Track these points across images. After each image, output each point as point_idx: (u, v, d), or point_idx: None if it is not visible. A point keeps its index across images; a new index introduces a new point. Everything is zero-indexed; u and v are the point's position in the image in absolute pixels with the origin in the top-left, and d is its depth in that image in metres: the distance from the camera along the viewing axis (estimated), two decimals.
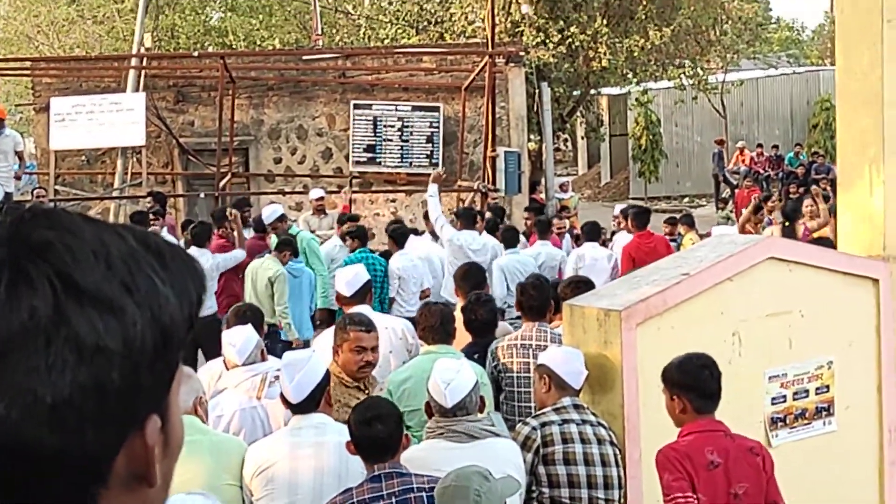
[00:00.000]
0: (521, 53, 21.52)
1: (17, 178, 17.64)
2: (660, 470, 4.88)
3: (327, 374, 5.25)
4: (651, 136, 33.72)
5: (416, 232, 13.65)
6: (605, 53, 25.15)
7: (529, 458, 5.34)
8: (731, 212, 27.05)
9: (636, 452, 5.50)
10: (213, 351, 8.15)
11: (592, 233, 13.17)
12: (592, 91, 28.77)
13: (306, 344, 10.84)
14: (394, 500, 4.44)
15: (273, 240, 12.51)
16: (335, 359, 5.99)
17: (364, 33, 31.17)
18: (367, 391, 5.97)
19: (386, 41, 27.99)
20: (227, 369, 6.45)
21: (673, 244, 14.11)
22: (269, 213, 13.35)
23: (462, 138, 19.92)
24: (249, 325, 6.66)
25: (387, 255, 12.42)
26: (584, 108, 30.17)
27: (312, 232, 14.67)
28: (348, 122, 20.28)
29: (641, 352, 5.49)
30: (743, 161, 31.16)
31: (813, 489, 5.89)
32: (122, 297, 1.04)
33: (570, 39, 24.89)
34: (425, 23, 27.77)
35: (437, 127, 20.11)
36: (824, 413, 6.12)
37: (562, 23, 25.17)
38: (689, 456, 4.83)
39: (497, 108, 19.77)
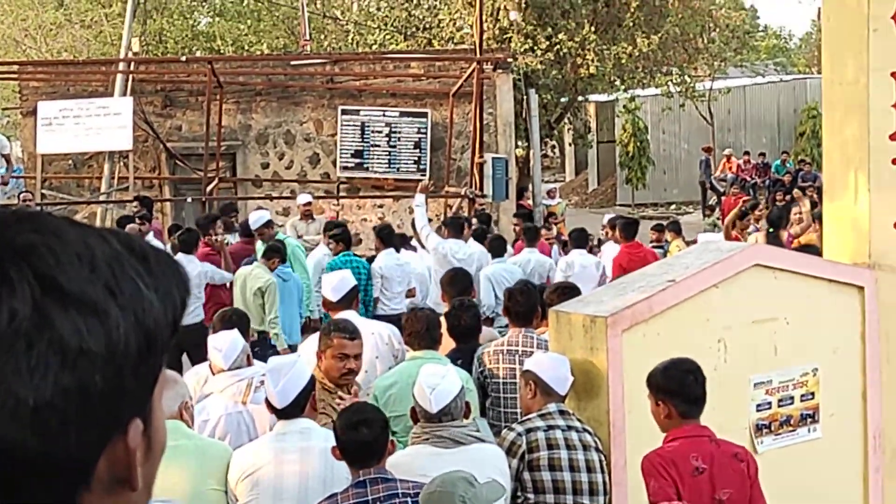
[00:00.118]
0: (509, 60, 21.55)
1: (4, 182, 17.60)
2: (645, 476, 4.89)
3: (312, 379, 5.24)
4: (638, 143, 33.79)
5: (405, 237, 13.65)
6: (592, 60, 25.18)
7: (515, 464, 5.34)
8: (718, 219, 27.08)
9: (621, 458, 5.51)
10: (199, 358, 8.13)
11: (580, 240, 13.19)
12: (580, 98, 28.81)
13: (294, 349, 10.85)
14: None
15: (259, 246, 12.51)
16: (318, 364, 5.99)
17: (352, 39, 31.16)
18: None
19: (374, 47, 27.98)
20: (213, 374, 6.44)
21: (660, 251, 14.14)
22: (256, 218, 13.33)
23: (450, 144, 19.93)
24: (235, 330, 6.64)
25: (374, 259, 12.44)
26: (572, 115, 30.21)
27: (300, 237, 14.67)
28: (336, 127, 20.28)
29: (627, 358, 5.50)
30: (730, 168, 31.23)
31: (798, 496, 5.90)
32: (106, 300, 1.04)
33: (557, 46, 24.92)
34: (413, 29, 27.77)
35: (425, 133, 20.12)
36: (809, 420, 6.13)
37: (550, 29, 25.20)
38: (675, 462, 4.85)
39: (485, 114, 19.80)
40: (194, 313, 11.82)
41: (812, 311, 6.14)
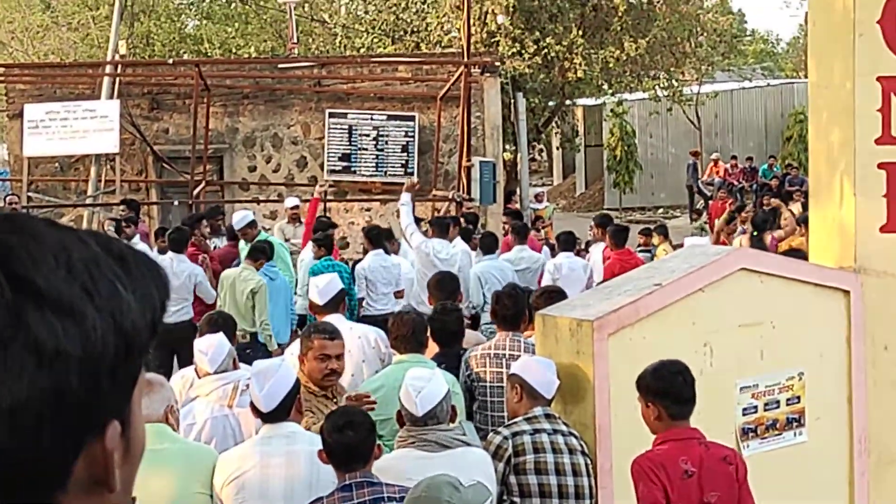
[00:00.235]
0: (497, 64, 21.57)
1: None
2: (635, 480, 4.90)
3: (297, 383, 5.23)
4: (626, 147, 33.83)
5: (390, 233, 13.65)
6: (580, 64, 25.23)
7: (500, 468, 5.34)
8: (705, 223, 27.17)
9: (607, 462, 5.51)
10: (188, 356, 8.13)
11: (568, 243, 13.19)
12: (568, 102, 28.87)
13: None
14: None
15: (243, 246, 12.50)
16: (301, 368, 5.96)
17: (340, 42, 31.15)
18: (334, 400, 5.96)
19: (362, 50, 28.00)
20: (199, 377, 6.42)
21: (647, 255, 14.14)
22: (239, 218, 13.33)
23: (437, 148, 19.94)
24: (221, 334, 6.63)
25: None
26: (560, 119, 30.27)
27: (287, 241, 14.66)
28: (323, 130, 20.27)
29: (613, 362, 5.50)
30: (717, 173, 31.28)
31: (784, 500, 5.90)
32: (83, 301, 1.03)
33: (545, 50, 24.96)
34: (401, 32, 27.80)
35: (413, 136, 20.12)
36: (795, 424, 6.14)
37: (537, 33, 25.24)
38: (664, 466, 4.85)
39: (472, 117, 19.81)
40: (183, 311, 11.83)
41: (798, 315, 6.15)
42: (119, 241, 1.15)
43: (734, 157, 32.59)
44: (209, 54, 34.31)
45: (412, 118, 20.20)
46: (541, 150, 43.71)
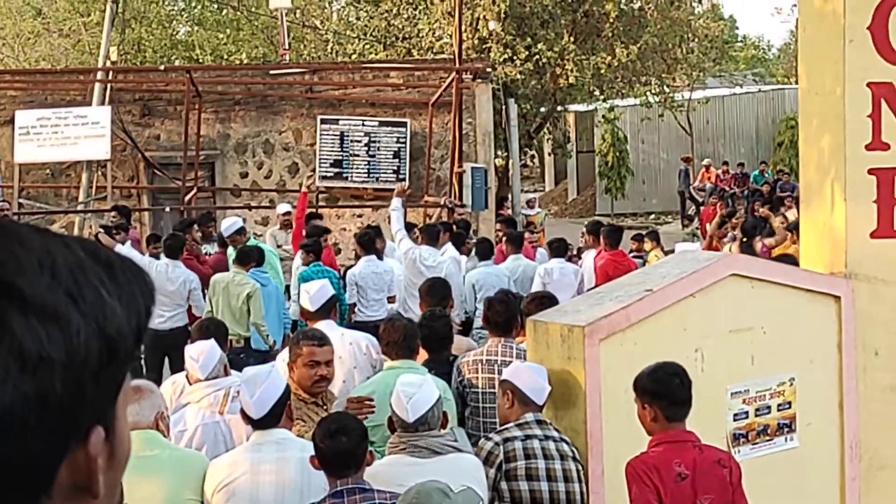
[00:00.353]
0: (489, 70, 21.57)
1: None
2: (629, 481, 4.91)
3: (288, 389, 5.22)
4: (618, 153, 33.88)
5: (380, 234, 13.62)
6: (572, 70, 25.24)
7: (492, 474, 5.33)
8: (697, 229, 27.20)
9: (599, 468, 5.51)
10: (181, 362, 8.14)
11: (560, 249, 13.19)
12: (559, 108, 28.86)
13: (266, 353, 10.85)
14: None
15: (231, 252, 12.50)
16: (290, 375, 5.94)
17: (332, 48, 31.16)
18: (324, 407, 5.94)
19: (353, 56, 27.98)
20: (190, 384, 6.42)
21: (639, 260, 14.14)
22: (228, 225, 13.33)
23: (429, 154, 19.94)
24: (212, 340, 6.62)
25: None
26: (551, 125, 30.26)
27: (279, 247, 14.66)
28: (315, 136, 20.26)
29: (605, 368, 5.50)
30: (709, 178, 31.33)
31: None
32: (67, 307, 1.03)
33: (537, 56, 24.97)
34: (393, 38, 27.79)
35: (404, 142, 20.12)
36: (786, 429, 6.15)
37: (529, 39, 25.25)
38: (658, 468, 4.87)
39: (464, 123, 19.81)
40: (177, 317, 11.83)
41: (789, 320, 6.16)
42: (104, 247, 1.15)
43: (725, 163, 32.65)
44: (201, 60, 34.28)
45: (404, 124, 20.20)
46: (532, 156, 43.66)
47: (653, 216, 34.19)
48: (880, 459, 6.41)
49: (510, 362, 6.43)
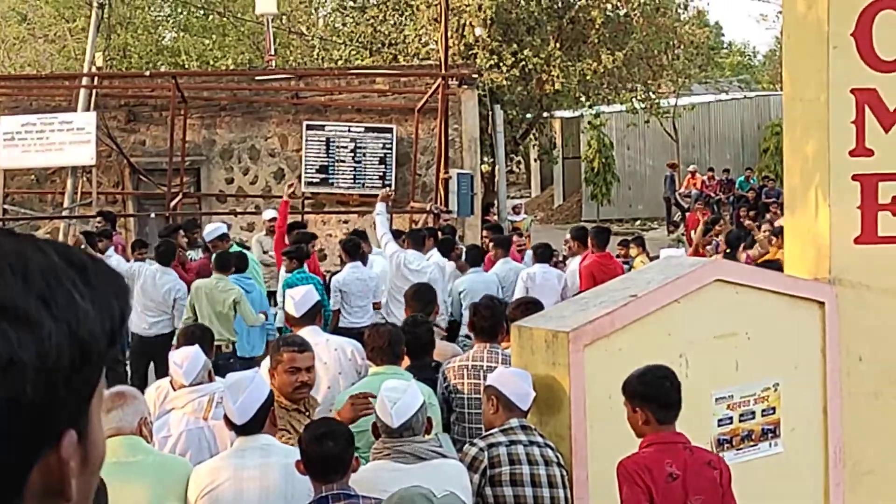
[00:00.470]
0: (475, 76, 21.59)
1: None
2: (620, 482, 4.91)
3: (271, 395, 5.21)
4: (603, 160, 33.94)
5: (365, 236, 13.60)
6: (557, 77, 25.27)
7: (476, 480, 5.33)
8: (682, 235, 27.24)
9: (583, 474, 5.51)
10: (166, 368, 8.12)
11: (544, 254, 13.14)
12: (545, 114, 28.93)
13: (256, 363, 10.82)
14: None
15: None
16: (272, 382, 5.92)
17: (318, 54, 31.14)
18: (307, 413, 5.93)
19: (339, 62, 27.99)
20: (174, 389, 6.41)
21: (625, 266, 14.14)
22: (211, 229, 13.32)
23: (415, 160, 19.94)
24: (196, 346, 6.61)
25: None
26: (537, 131, 30.32)
27: (265, 252, 14.65)
28: (301, 142, 20.25)
29: (589, 373, 5.50)
30: (694, 185, 31.38)
31: None
32: (39, 310, 1.03)
33: (523, 62, 25.01)
34: (379, 44, 27.81)
35: (390, 148, 20.12)
36: (770, 435, 6.15)
37: (515, 46, 25.29)
38: (649, 468, 4.88)
39: (450, 129, 19.82)
40: (162, 324, 11.81)
41: (773, 326, 6.17)
42: (80, 250, 1.15)
43: (711, 170, 32.71)
44: (186, 66, 34.25)
45: (390, 130, 20.21)
46: (518, 162, 43.78)
47: (638, 222, 34.23)
48: (864, 465, 6.42)
49: (495, 368, 6.43)
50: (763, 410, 6.12)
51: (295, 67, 29.53)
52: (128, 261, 13.88)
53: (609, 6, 27.09)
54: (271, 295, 13.45)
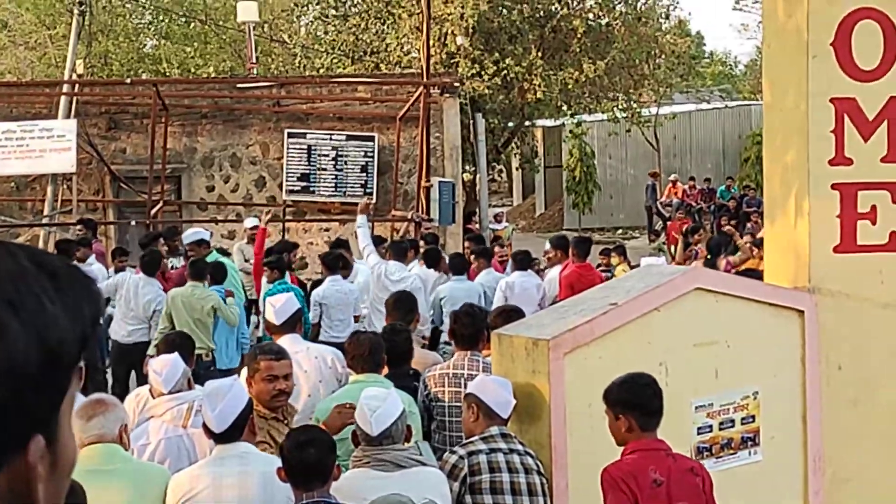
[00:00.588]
0: (456, 84, 21.59)
1: None
2: (605, 489, 4.91)
3: (250, 403, 5.20)
4: (585, 168, 33.99)
5: (347, 245, 13.54)
6: (539, 85, 25.30)
7: (456, 488, 5.32)
8: (664, 243, 27.29)
9: (563, 481, 5.50)
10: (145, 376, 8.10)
11: (523, 262, 13.10)
12: (527, 122, 28.96)
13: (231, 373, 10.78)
14: None
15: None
16: (249, 391, 5.89)
17: (299, 62, 31.12)
18: (285, 421, 5.91)
19: (321, 70, 27.97)
20: (154, 397, 6.38)
21: (607, 275, 14.13)
22: (189, 234, 13.28)
23: (396, 168, 19.94)
24: (175, 354, 6.59)
25: (319, 283, 12.37)
26: (519, 140, 30.34)
27: (247, 261, 14.61)
28: (282, 150, 20.22)
29: (569, 381, 5.50)
30: (675, 193, 31.46)
31: None
32: (6, 315, 1.02)
33: (505, 71, 25.04)
34: (361, 53, 27.80)
35: (372, 156, 20.11)
36: (750, 443, 6.16)
37: (497, 55, 25.32)
38: (634, 475, 4.88)
39: (432, 138, 19.82)
40: (141, 333, 11.76)
41: (753, 334, 6.19)
42: (52, 255, 1.14)
43: (692, 179, 32.81)
44: (167, 74, 34.18)
45: (371, 138, 20.19)
46: (500, 171, 43.78)
47: (620, 231, 34.30)
48: (844, 472, 6.43)
49: (476, 376, 6.42)
50: (743, 418, 6.13)
51: (277, 75, 29.45)
52: (108, 269, 13.84)
53: (591, 16, 27.17)
54: (252, 303, 13.42)
